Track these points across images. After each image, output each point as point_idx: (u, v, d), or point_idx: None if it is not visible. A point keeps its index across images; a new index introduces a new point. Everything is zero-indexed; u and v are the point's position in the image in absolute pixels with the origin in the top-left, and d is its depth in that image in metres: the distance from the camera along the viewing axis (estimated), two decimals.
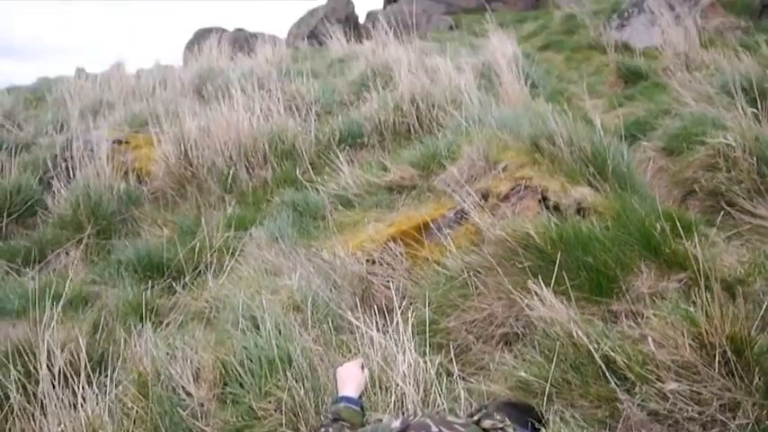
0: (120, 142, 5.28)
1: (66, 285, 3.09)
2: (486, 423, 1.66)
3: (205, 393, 2.38)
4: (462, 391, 2.20)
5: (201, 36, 20.38)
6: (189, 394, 2.38)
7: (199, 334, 2.78)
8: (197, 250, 3.68)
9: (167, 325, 3.05)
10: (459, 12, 16.72)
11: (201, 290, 3.32)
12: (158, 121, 5.17)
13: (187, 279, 3.48)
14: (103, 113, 6.45)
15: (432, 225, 3.03)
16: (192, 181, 4.53)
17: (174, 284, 3.48)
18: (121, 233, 4.26)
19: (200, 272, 3.53)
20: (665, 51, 6.69)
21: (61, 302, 2.77)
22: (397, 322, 2.38)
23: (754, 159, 3.21)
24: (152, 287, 3.42)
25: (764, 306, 2.25)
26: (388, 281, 2.92)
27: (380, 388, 2.19)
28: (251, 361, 2.36)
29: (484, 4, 17.34)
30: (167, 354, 2.57)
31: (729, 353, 2.02)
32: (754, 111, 3.46)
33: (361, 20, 19.75)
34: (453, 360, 2.37)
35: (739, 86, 3.87)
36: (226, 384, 2.39)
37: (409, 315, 2.45)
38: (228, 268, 3.35)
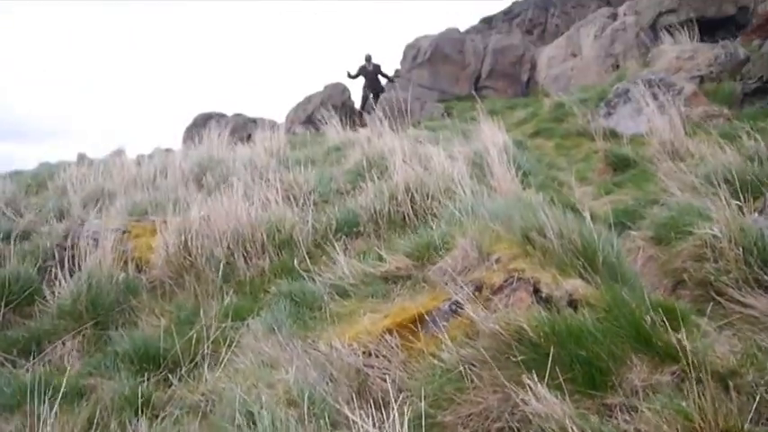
0: (120, 231, 5.36)
1: (62, 379, 3.10)
2: None
3: None
4: None
5: (201, 121, 20.98)
6: None
7: (194, 429, 2.77)
8: (194, 341, 3.70)
9: (163, 420, 3.03)
10: (452, 99, 17.31)
11: (198, 382, 3.32)
12: (158, 211, 5.29)
13: (183, 371, 3.48)
14: (105, 202, 6.57)
15: (427, 317, 3.07)
16: (190, 270, 4.59)
17: (170, 376, 3.47)
18: (119, 323, 4.27)
19: (196, 363, 3.53)
20: (652, 139, 6.91)
21: (57, 397, 2.78)
22: (394, 417, 2.39)
23: (741, 250, 3.29)
24: (148, 379, 3.42)
25: (758, 398, 2.28)
26: (384, 373, 2.93)
27: None
28: None
29: (475, 91, 18.02)
30: None
31: None
32: (738, 203, 3.57)
33: (357, 105, 20.31)
34: None
35: (722, 178, 4.03)
36: None
37: (405, 409, 2.46)
38: (225, 360, 3.36)
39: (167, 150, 11.84)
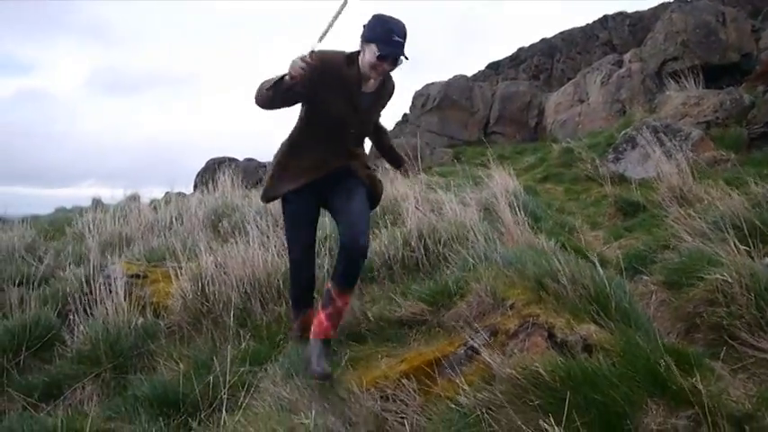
0: (138, 276, 5.46)
1: (84, 423, 3.15)
2: None
3: None
4: None
5: (212, 166, 21.21)
6: None
7: None
8: (212, 385, 3.74)
9: None
10: (462, 144, 17.48)
11: (217, 426, 3.35)
12: (176, 257, 5.39)
13: (203, 415, 3.51)
14: (122, 247, 6.69)
15: (443, 361, 3.13)
16: (207, 315, 4.66)
17: (189, 420, 3.51)
18: (137, 368, 4.33)
19: (215, 408, 3.57)
20: (660, 184, 6.99)
21: None
22: None
23: (752, 295, 3.33)
24: (168, 424, 3.46)
25: None
26: (401, 417, 2.98)
27: None
28: None
29: (484, 136, 18.24)
30: None
31: None
32: (747, 248, 3.63)
33: None
34: None
35: (730, 224, 4.10)
36: None
37: None
38: (244, 404, 3.40)
39: (180, 194, 12.03)
